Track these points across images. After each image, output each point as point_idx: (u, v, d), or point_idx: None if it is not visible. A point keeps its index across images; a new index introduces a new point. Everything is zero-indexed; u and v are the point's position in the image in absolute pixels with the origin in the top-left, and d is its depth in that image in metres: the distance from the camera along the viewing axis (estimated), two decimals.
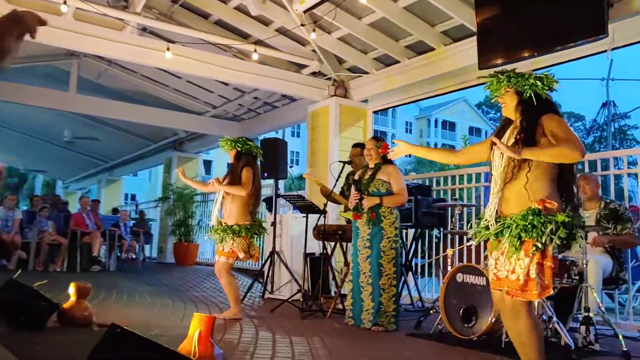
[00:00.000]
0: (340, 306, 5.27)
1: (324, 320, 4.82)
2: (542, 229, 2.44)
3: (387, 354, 3.51)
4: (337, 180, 5.16)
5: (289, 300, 5.47)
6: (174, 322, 4.42)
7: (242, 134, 10.73)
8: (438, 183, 6.61)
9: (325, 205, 5.18)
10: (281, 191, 7.57)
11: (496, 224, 2.59)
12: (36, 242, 8.56)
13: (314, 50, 7.09)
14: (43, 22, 1.38)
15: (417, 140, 46.76)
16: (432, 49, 6.29)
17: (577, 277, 4.00)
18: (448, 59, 6.14)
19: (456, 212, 4.86)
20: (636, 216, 5.02)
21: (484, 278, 3.92)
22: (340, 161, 5.56)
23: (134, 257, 10.80)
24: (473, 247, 4.73)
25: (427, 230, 6.38)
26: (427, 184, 6.67)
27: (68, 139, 12.89)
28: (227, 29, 7.23)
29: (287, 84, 7.43)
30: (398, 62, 6.74)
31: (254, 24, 6.89)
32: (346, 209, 5.21)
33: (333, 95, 7.42)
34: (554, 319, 3.76)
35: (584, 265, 3.93)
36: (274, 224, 6.39)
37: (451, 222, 5.18)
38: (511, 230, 2.51)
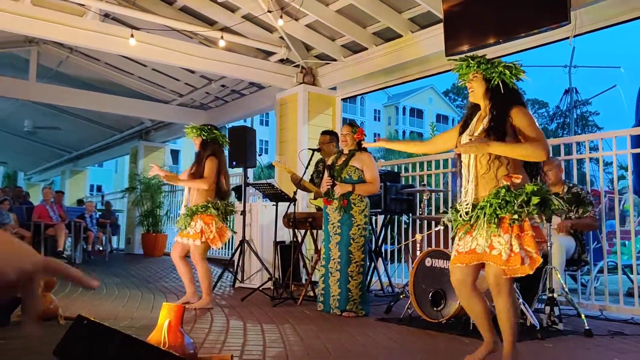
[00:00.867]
0: (311, 293, 5.29)
1: (295, 308, 4.83)
2: (515, 201, 2.49)
3: (358, 339, 3.54)
4: (306, 168, 5.15)
5: (260, 288, 5.47)
6: (143, 313, 4.37)
7: (209, 122, 10.58)
8: (406, 169, 6.67)
9: (295, 193, 5.16)
10: (250, 180, 7.52)
11: (472, 211, 2.64)
12: None
13: (281, 37, 7.03)
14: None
15: (385, 127, 47.06)
16: (400, 36, 6.31)
17: (542, 259, 4.09)
18: (415, 46, 6.17)
19: (424, 197, 4.91)
20: (597, 200, 5.17)
21: None
22: (309, 149, 5.55)
23: (100, 248, 10.61)
24: (441, 232, 4.80)
25: (396, 216, 6.44)
26: (396, 170, 6.72)
27: (29, 129, 12.51)
28: (192, 16, 7.10)
29: (255, 71, 7.35)
30: (366, 49, 6.74)
31: (220, 10, 6.78)
32: (316, 197, 5.21)
33: (301, 83, 7.38)
34: (520, 300, 3.85)
35: (549, 248, 4.04)
36: (243, 212, 6.35)
37: (420, 207, 5.24)
38: (485, 211, 2.55)
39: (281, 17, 6.21)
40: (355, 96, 8.21)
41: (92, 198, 16.37)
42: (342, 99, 7.70)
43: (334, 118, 7.59)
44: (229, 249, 8.87)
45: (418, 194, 5.67)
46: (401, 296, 4.75)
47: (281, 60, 7.45)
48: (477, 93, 2.78)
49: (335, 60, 7.14)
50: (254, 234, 6.42)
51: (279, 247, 5.78)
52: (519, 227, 2.52)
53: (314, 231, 5.67)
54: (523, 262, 2.49)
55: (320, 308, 4.61)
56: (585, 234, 4.71)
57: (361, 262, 4.48)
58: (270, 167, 8.39)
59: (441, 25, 5.39)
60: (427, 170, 6.44)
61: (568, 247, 4.49)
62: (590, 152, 5.12)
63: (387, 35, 6.54)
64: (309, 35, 6.89)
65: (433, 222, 5.48)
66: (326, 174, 4.70)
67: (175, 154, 30.12)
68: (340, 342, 3.43)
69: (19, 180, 20.70)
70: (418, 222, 6.09)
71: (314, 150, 5.32)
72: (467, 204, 2.68)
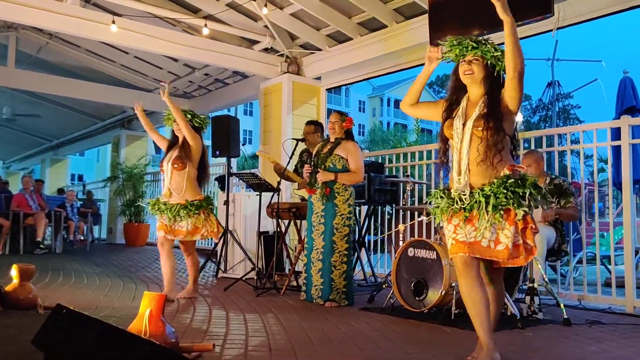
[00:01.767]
0: (294, 283, 5.29)
1: (278, 298, 4.83)
2: (522, 193, 2.47)
3: (341, 328, 3.56)
4: (290, 158, 5.13)
5: (243, 278, 5.45)
6: (125, 303, 4.33)
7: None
8: (390, 160, 6.69)
9: (278, 183, 5.15)
10: (234, 170, 7.48)
11: (470, 197, 2.56)
12: None
13: (266, 26, 6.98)
14: None
15: (370, 119, 47.13)
16: (385, 27, 6.30)
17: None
18: (400, 36, 6.16)
19: (408, 188, 4.93)
20: (577, 192, 5.24)
21: (435, 252, 4.01)
22: (293, 139, 5.53)
23: (82, 238, 10.49)
24: (424, 222, 4.82)
25: (379, 207, 6.46)
26: (380, 161, 6.74)
27: (7, 116, 12.28)
28: (176, 3, 7.00)
29: (239, 60, 7.29)
30: (351, 39, 6.72)
31: None
32: (300, 187, 5.20)
33: (286, 72, 7.34)
34: None
35: None
36: (226, 202, 6.32)
37: (403, 198, 5.26)
38: (491, 201, 2.49)
39: (265, 5, 6.16)
40: (340, 86, 8.20)
41: (74, 187, 16.17)
42: (326, 89, 7.68)
43: (318, 108, 7.57)
44: (212, 239, 8.82)
45: (401, 184, 5.70)
46: (384, 286, 4.78)
47: (265, 50, 7.40)
48: (476, 77, 2.66)
49: (320, 50, 7.11)
50: (237, 224, 6.40)
51: (262, 237, 5.77)
52: (524, 220, 2.50)
53: (298, 221, 5.66)
54: (522, 252, 2.51)
55: (303, 297, 4.62)
56: (565, 224, 4.77)
57: (345, 251, 4.46)
58: (254, 157, 8.36)
59: (426, 16, 5.38)
60: (411, 161, 6.46)
61: (549, 237, 4.55)
62: (571, 145, 5.17)
63: (372, 26, 6.52)
64: (294, 25, 6.85)
65: (416, 213, 5.50)
66: (310, 162, 4.68)
67: None
68: (322, 331, 3.44)
69: None
70: (401, 212, 6.12)
71: (298, 140, 5.30)
72: (462, 192, 2.59)
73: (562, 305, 3.95)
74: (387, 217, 6.71)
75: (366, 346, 3.07)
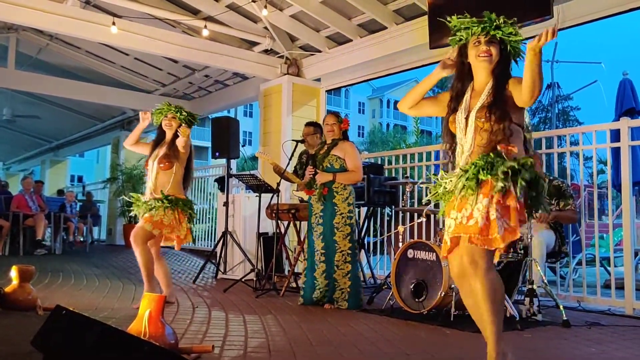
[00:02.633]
0: (293, 284, 5.29)
1: (278, 299, 4.83)
2: (503, 167, 2.23)
3: (340, 330, 3.56)
4: (290, 159, 5.13)
5: (242, 280, 5.45)
6: (124, 304, 4.33)
7: (192, 112, 10.52)
8: (390, 162, 6.69)
9: (278, 184, 5.15)
10: (233, 171, 7.48)
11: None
12: None
13: (265, 28, 6.98)
14: None
15: (369, 120, 47.12)
16: (384, 28, 6.31)
17: (522, 252, 4.15)
18: (400, 38, 6.17)
19: (407, 190, 4.93)
20: (577, 194, 5.24)
21: (434, 254, 4.01)
22: (293, 140, 5.53)
23: (81, 239, 10.49)
24: (423, 224, 4.83)
25: (379, 208, 6.46)
26: (379, 162, 6.74)
27: (8, 117, 12.28)
28: (176, 4, 7.00)
29: (239, 61, 7.29)
30: (350, 40, 6.73)
31: None
32: (299, 188, 5.20)
33: (285, 74, 7.35)
34: None
35: (529, 240, 4.09)
36: (226, 204, 6.32)
37: (402, 199, 5.26)
38: (468, 173, 2.29)
39: (265, 7, 6.16)
40: (339, 88, 8.21)
41: (73, 188, 16.17)
42: (326, 91, 7.68)
43: (318, 109, 7.57)
44: (211, 240, 8.83)
45: (401, 186, 5.70)
46: (383, 287, 4.78)
47: (265, 51, 7.40)
48: (493, 61, 2.39)
49: (319, 51, 7.11)
50: (237, 225, 6.40)
51: (261, 238, 5.76)
52: (502, 196, 2.23)
53: (297, 222, 5.66)
54: (499, 230, 2.19)
55: (301, 302, 4.54)
56: (565, 226, 4.77)
57: (348, 250, 4.40)
58: (254, 159, 8.36)
59: (426, 17, 5.39)
60: (410, 162, 6.46)
61: (548, 240, 4.55)
62: (570, 146, 5.18)
63: (372, 27, 6.53)
64: (294, 26, 6.85)
65: (415, 214, 5.51)
66: (310, 164, 4.68)
67: None
68: (322, 333, 3.44)
69: None
70: (401, 214, 6.12)
71: (297, 141, 5.30)
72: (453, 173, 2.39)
73: (561, 306, 3.95)
74: (386, 218, 6.71)
75: (365, 348, 3.07)
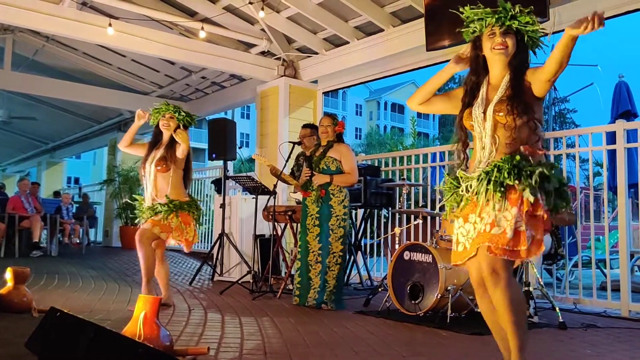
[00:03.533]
0: (290, 286, 5.27)
1: (274, 301, 4.82)
2: (535, 174, 2.09)
3: (336, 332, 3.55)
4: (286, 161, 5.13)
5: (239, 282, 5.44)
6: (120, 306, 4.31)
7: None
8: (387, 164, 6.69)
9: (275, 186, 5.14)
10: (230, 173, 7.47)
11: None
12: None
13: (262, 30, 6.98)
14: None
15: (367, 122, 47.16)
16: (381, 30, 6.32)
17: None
18: (397, 40, 6.18)
19: (404, 191, 4.94)
20: (573, 196, 5.25)
21: (431, 255, 4.01)
22: (290, 142, 5.52)
23: (78, 241, 10.45)
24: (420, 226, 4.82)
25: (375, 210, 6.45)
26: (376, 164, 6.74)
27: (4, 119, 12.24)
28: (172, 6, 7.00)
29: (236, 63, 7.29)
30: (347, 42, 6.74)
31: (201, 1, 6.69)
32: (296, 190, 5.20)
33: (282, 76, 7.35)
34: None
35: None
36: (222, 205, 6.31)
37: (399, 201, 5.26)
38: (491, 176, 2.14)
39: (262, 9, 6.16)
40: (336, 90, 8.21)
41: (70, 190, 16.13)
42: (323, 93, 7.69)
43: (315, 111, 7.57)
44: (208, 242, 8.81)
45: (398, 188, 5.70)
46: (380, 289, 4.77)
47: (262, 53, 7.40)
48: (509, 53, 2.26)
49: (316, 53, 7.12)
50: (234, 227, 6.39)
51: (258, 240, 5.76)
52: (531, 205, 2.10)
53: (294, 224, 5.66)
54: (525, 242, 2.08)
55: (296, 302, 4.57)
56: (561, 228, 4.78)
57: (339, 253, 4.45)
58: (251, 161, 8.36)
59: (422, 20, 5.40)
60: (407, 164, 6.46)
61: (544, 241, 4.55)
62: (567, 149, 5.19)
63: (369, 30, 6.53)
64: (291, 28, 6.86)
65: (412, 216, 5.51)
66: (305, 165, 4.69)
67: None
68: (318, 335, 3.44)
69: None
70: (397, 216, 6.12)
71: (294, 143, 5.30)
72: (475, 175, 2.23)
73: (557, 308, 3.95)
74: (383, 220, 6.71)
75: (362, 349, 3.07)
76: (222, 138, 6.45)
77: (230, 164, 7.53)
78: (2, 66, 8.55)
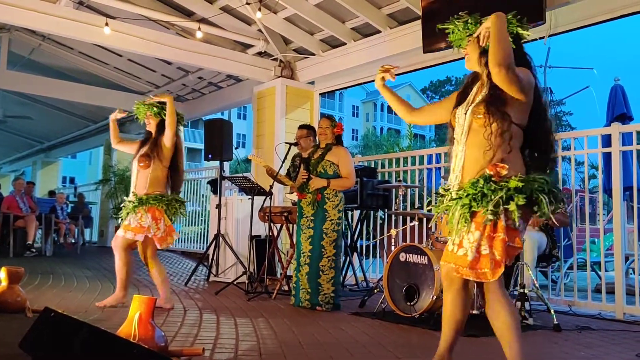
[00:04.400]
0: (285, 287, 5.28)
1: (269, 302, 4.82)
2: (492, 197, 2.15)
3: (331, 333, 3.55)
4: (283, 162, 5.13)
5: (234, 282, 5.43)
6: (115, 307, 4.29)
7: (186, 114, 10.47)
8: (383, 165, 6.69)
9: (271, 187, 5.14)
10: (226, 173, 7.46)
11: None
12: None
13: (259, 30, 6.98)
14: None
15: (363, 124, 47.20)
16: (378, 32, 6.32)
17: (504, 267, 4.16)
18: (393, 41, 6.18)
19: (400, 193, 4.94)
20: (568, 198, 5.27)
21: (426, 257, 4.01)
22: (286, 143, 5.51)
23: (73, 241, 10.42)
24: (416, 227, 4.83)
25: (372, 212, 6.46)
26: (372, 166, 6.74)
27: None
28: (169, 6, 6.98)
29: (233, 63, 7.28)
30: (344, 44, 6.74)
31: (198, 1, 6.68)
32: (292, 191, 5.20)
33: (279, 76, 7.34)
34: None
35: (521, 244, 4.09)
36: (218, 206, 6.30)
37: (395, 203, 5.27)
38: (460, 201, 2.22)
39: (260, 9, 6.16)
40: (333, 91, 8.22)
41: (65, 190, 16.08)
42: (320, 94, 7.69)
43: (311, 112, 7.57)
44: (203, 243, 8.80)
45: (394, 189, 5.70)
46: (375, 291, 4.78)
47: (259, 53, 7.40)
48: (472, 58, 2.39)
49: (313, 54, 7.12)
50: (229, 227, 6.38)
51: (254, 241, 5.75)
52: (493, 226, 2.18)
53: (290, 225, 5.66)
54: (488, 264, 2.15)
55: (292, 302, 4.61)
56: (557, 231, 4.79)
57: (333, 257, 4.46)
58: (247, 161, 8.33)
59: (419, 21, 5.40)
60: (403, 166, 6.47)
61: (540, 243, 4.57)
62: (562, 151, 5.20)
63: (366, 31, 6.54)
64: (288, 29, 6.85)
65: (408, 218, 5.51)
66: (302, 167, 4.68)
67: None
68: (313, 336, 3.43)
69: None
70: (393, 217, 6.12)
71: (290, 144, 5.30)
72: (453, 186, 2.32)
73: (552, 310, 3.96)
74: (379, 222, 6.72)
75: (357, 351, 3.07)
76: (218, 138, 6.44)
77: (226, 165, 7.53)
78: None
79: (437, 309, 3.93)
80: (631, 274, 5.91)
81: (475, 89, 2.40)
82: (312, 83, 7.58)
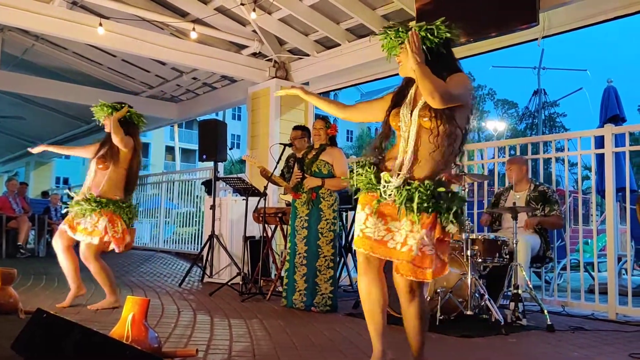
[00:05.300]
0: (280, 288, 5.26)
1: (264, 303, 4.81)
2: (442, 202, 2.24)
3: (325, 334, 3.55)
4: (277, 163, 5.13)
5: (229, 283, 5.42)
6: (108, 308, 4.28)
7: (180, 115, 10.48)
8: None
9: (265, 187, 5.13)
10: (221, 174, 7.45)
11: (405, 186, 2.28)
12: None
13: (254, 31, 6.98)
14: None
15: (358, 125, 47.19)
16: (373, 33, 6.32)
17: (507, 256, 4.18)
18: None
19: None
20: (562, 199, 5.29)
21: None
22: (281, 143, 5.51)
23: None
24: None
25: None
26: None
27: None
28: (164, 6, 6.97)
29: (227, 64, 7.27)
30: (339, 45, 6.74)
31: (193, 1, 6.68)
32: (286, 192, 5.20)
33: (274, 77, 7.34)
34: (486, 296, 3.91)
35: (514, 245, 4.11)
36: (213, 207, 6.29)
37: None
38: (413, 203, 2.24)
39: (254, 10, 6.15)
40: (328, 92, 8.21)
41: (59, 191, 16.00)
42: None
43: (306, 113, 7.57)
44: (197, 244, 8.78)
45: None
46: None
47: (254, 54, 7.39)
48: (405, 66, 2.43)
49: (308, 55, 7.12)
50: (224, 228, 6.36)
51: (248, 242, 5.74)
52: (441, 229, 2.27)
53: (284, 226, 5.65)
54: (431, 264, 2.25)
55: (283, 304, 4.58)
56: (550, 232, 4.81)
57: (331, 256, 4.46)
58: (242, 162, 8.33)
59: (414, 23, 5.41)
60: None
61: (533, 244, 4.58)
62: (556, 152, 5.22)
63: (360, 32, 6.55)
64: (282, 30, 6.86)
65: None
66: (296, 167, 4.69)
67: (145, 147, 29.64)
68: (307, 337, 3.43)
69: None
70: None
71: (285, 145, 5.30)
72: (395, 183, 2.30)
73: (545, 311, 3.97)
74: None
75: (350, 352, 3.07)
76: (212, 139, 6.43)
77: (220, 165, 7.51)
78: None
79: (431, 310, 3.94)
80: (624, 274, 5.94)
81: (413, 89, 2.45)
82: (307, 84, 7.57)
